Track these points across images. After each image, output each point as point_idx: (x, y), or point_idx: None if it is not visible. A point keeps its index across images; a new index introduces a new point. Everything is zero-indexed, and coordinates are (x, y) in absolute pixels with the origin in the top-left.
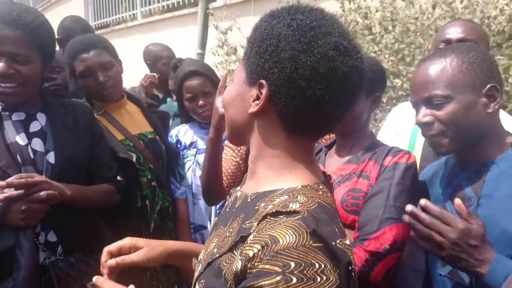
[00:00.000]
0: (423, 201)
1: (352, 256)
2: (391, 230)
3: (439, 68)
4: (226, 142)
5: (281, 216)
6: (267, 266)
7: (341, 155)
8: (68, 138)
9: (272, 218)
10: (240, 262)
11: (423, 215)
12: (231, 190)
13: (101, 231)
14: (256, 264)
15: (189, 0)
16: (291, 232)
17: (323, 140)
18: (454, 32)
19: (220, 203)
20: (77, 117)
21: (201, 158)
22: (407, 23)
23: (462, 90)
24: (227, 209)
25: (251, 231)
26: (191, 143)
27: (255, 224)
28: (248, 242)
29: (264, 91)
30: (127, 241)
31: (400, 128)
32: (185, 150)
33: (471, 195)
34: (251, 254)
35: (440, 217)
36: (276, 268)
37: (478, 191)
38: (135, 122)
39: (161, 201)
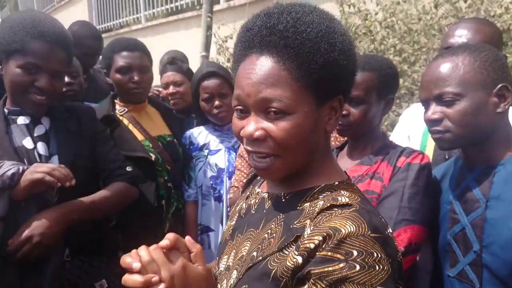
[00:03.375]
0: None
1: (395, 243)
2: (406, 232)
3: (451, 65)
4: (240, 151)
5: (336, 209)
6: (329, 254)
7: (352, 156)
8: (72, 142)
9: (327, 212)
10: (300, 257)
11: None
12: (248, 192)
13: (110, 233)
14: (317, 253)
15: (193, 3)
16: (351, 223)
17: (336, 142)
18: (457, 37)
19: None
20: (80, 120)
21: (212, 159)
22: (408, 23)
23: (474, 88)
24: (253, 211)
25: (305, 229)
26: (204, 145)
27: (308, 221)
28: (306, 237)
29: (338, 105)
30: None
31: (411, 130)
32: (197, 152)
33: (479, 197)
34: (312, 246)
35: None
36: (339, 256)
37: (486, 193)
38: (154, 124)
39: (176, 202)
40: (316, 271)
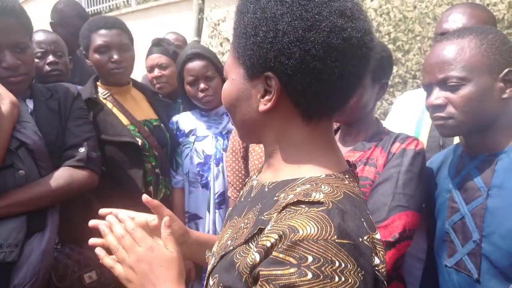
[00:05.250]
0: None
1: (381, 253)
2: (401, 218)
3: (456, 48)
4: (229, 144)
5: (303, 206)
6: (281, 256)
7: (345, 142)
8: (53, 121)
9: (292, 207)
10: (257, 255)
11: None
12: (247, 180)
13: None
14: (272, 252)
15: None
16: (313, 224)
17: None
18: (451, 22)
19: (220, 192)
20: (60, 99)
21: (199, 145)
22: (404, 11)
23: (480, 72)
24: (242, 199)
25: (270, 223)
26: (190, 130)
27: (275, 215)
28: (265, 233)
29: (273, 84)
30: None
31: (405, 117)
32: (184, 137)
33: (480, 186)
34: (268, 244)
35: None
36: (291, 260)
37: (488, 182)
38: (140, 108)
39: (164, 189)
40: (265, 272)
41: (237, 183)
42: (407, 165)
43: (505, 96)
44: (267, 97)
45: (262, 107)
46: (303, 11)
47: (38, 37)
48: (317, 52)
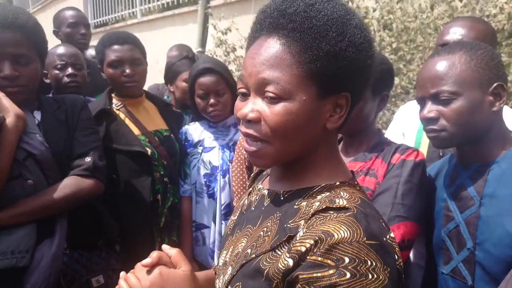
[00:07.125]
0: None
1: (397, 249)
2: (399, 229)
3: (447, 64)
4: (236, 151)
5: (331, 212)
6: (320, 259)
7: (347, 153)
8: (60, 132)
9: (322, 214)
10: (291, 260)
11: None
12: (250, 189)
13: (107, 227)
14: (308, 257)
15: None
16: (345, 228)
17: None
18: (452, 34)
19: (226, 203)
20: (67, 110)
21: (206, 156)
22: (405, 21)
23: (470, 87)
24: (253, 208)
25: (298, 230)
26: (198, 141)
27: (302, 222)
28: (298, 239)
29: (344, 102)
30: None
31: (406, 127)
32: (192, 148)
33: (473, 195)
34: (303, 249)
35: None
36: (329, 262)
37: (480, 191)
38: (151, 119)
39: (172, 197)
40: (305, 276)
41: (242, 193)
42: (406, 176)
43: (494, 109)
44: (338, 115)
45: (332, 125)
46: (367, 42)
47: (60, 50)
48: (372, 72)
